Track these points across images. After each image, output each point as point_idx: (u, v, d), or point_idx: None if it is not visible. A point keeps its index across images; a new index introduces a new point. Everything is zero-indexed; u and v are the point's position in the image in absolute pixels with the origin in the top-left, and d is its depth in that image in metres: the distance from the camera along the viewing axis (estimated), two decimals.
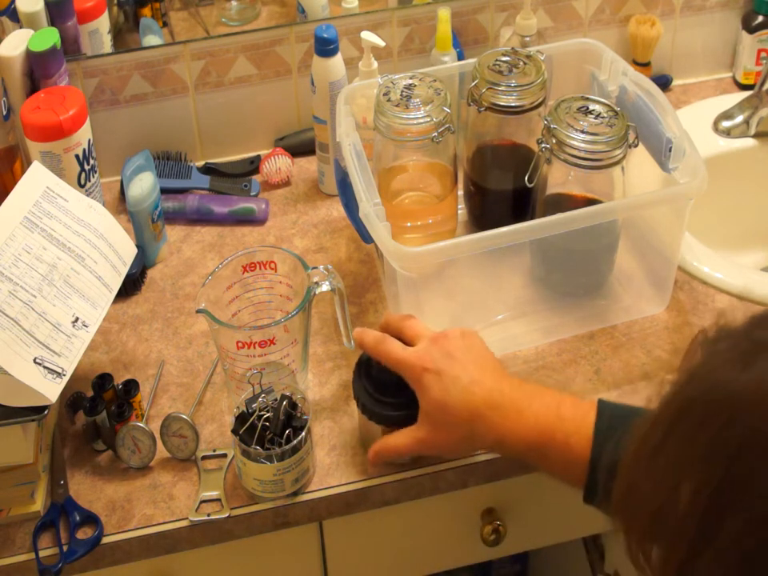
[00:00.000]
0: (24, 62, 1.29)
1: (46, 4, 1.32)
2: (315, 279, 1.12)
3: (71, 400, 1.16)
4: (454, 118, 1.26)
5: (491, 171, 1.32)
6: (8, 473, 1.07)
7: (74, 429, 1.17)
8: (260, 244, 1.37)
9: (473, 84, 1.24)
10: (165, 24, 1.48)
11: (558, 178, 1.22)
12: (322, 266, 1.13)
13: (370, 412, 1.07)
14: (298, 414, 1.07)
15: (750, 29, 1.56)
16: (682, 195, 1.17)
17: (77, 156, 1.25)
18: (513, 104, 1.23)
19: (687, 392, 0.60)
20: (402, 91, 1.22)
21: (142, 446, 1.11)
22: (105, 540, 1.07)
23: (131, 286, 1.31)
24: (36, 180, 1.14)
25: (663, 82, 1.60)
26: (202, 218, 1.43)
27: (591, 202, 1.20)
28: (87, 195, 1.24)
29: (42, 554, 1.06)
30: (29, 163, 1.20)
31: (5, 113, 1.30)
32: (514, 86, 1.23)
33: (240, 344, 1.09)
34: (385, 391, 1.06)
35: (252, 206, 1.42)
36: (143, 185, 1.33)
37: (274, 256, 1.16)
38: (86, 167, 1.27)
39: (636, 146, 1.19)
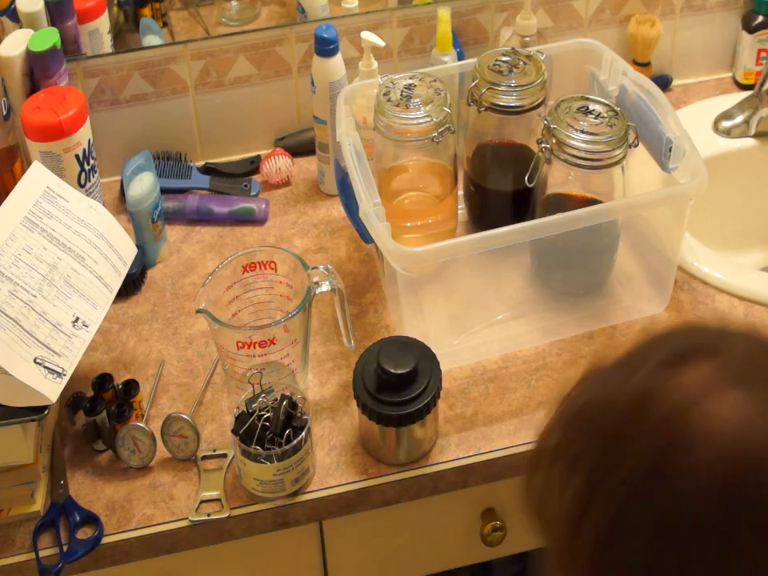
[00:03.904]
0: (24, 61, 1.29)
1: (46, 4, 1.32)
2: (315, 279, 1.12)
3: (71, 400, 1.16)
4: (454, 118, 1.26)
5: (491, 171, 1.32)
6: (8, 473, 1.07)
7: (73, 429, 1.17)
8: (260, 244, 1.37)
9: (473, 84, 1.24)
10: (165, 24, 1.48)
11: (558, 178, 1.22)
12: (322, 266, 1.13)
13: (370, 412, 1.07)
14: (298, 414, 1.07)
15: (750, 29, 1.56)
16: (682, 195, 1.17)
17: (77, 156, 1.25)
18: (513, 104, 1.23)
19: (573, 403, 0.65)
20: (402, 91, 1.22)
21: (142, 446, 1.11)
22: (105, 540, 1.07)
23: (131, 286, 1.31)
24: (36, 180, 1.14)
25: (663, 82, 1.60)
26: (202, 218, 1.43)
27: (591, 201, 1.20)
28: (87, 195, 1.24)
29: (42, 554, 1.06)
30: (29, 163, 1.20)
31: (5, 113, 1.30)
32: (514, 86, 1.23)
33: (240, 344, 1.09)
34: (385, 391, 1.07)
35: (252, 206, 1.42)
36: (143, 185, 1.33)
37: (274, 256, 1.16)
38: (86, 167, 1.27)
39: (636, 145, 1.19)
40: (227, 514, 1.08)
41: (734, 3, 1.57)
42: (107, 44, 1.41)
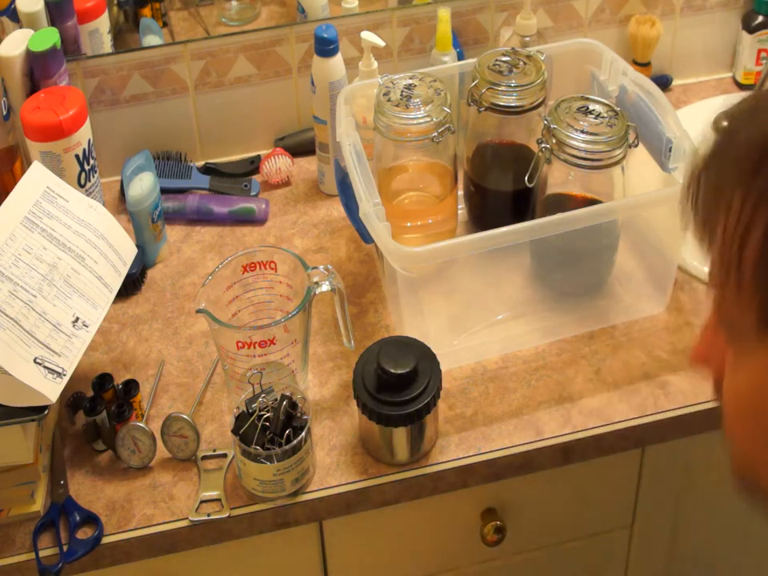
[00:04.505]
0: (24, 61, 1.29)
1: (46, 4, 1.32)
2: (315, 279, 1.12)
3: (71, 400, 1.16)
4: (454, 118, 1.26)
5: (491, 171, 1.33)
6: (8, 473, 1.07)
7: (73, 429, 1.17)
8: (260, 244, 1.37)
9: (473, 84, 1.25)
10: (165, 24, 1.48)
11: (558, 178, 1.22)
12: (321, 266, 1.13)
13: (370, 412, 1.07)
14: (298, 414, 1.07)
15: (750, 29, 1.56)
16: None
17: (77, 156, 1.25)
18: (513, 104, 1.23)
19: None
20: (402, 91, 1.22)
21: (142, 446, 1.11)
22: (105, 540, 1.07)
23: (131, 286, 1.31)
24: (36, 180, 1.14)
25: (663, 82, 1.60)
26: (202, 218, 1.43)
27: (591, 201, 1.20)
28: (87, 195, 1.24)
29: (42, 553, 1.06)
30: (29, 163, 1.20)
31: (5, 113, 1.30)
32: (514, 86, 1.23)
33: (240, 344, 1.09)
34: (385, 391, 1.07)
35: (252, 206, 1.42)
36: (143, 185, 1.33)
37: (274, 256, 1.16)
38: (86, 167, 1.27)
39: (636, 145, 1.19)
40: (227, 514, 1.08)
41: (734, 3, 1.57)
42: (107, 44, 1.41)
